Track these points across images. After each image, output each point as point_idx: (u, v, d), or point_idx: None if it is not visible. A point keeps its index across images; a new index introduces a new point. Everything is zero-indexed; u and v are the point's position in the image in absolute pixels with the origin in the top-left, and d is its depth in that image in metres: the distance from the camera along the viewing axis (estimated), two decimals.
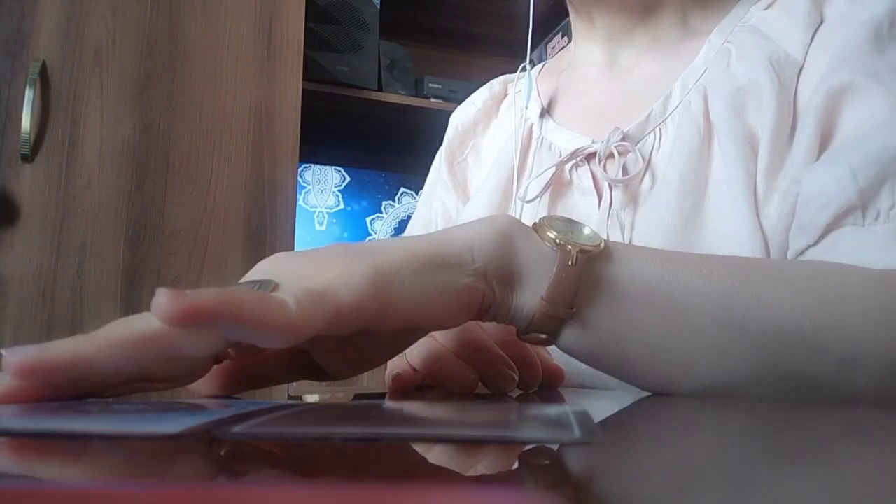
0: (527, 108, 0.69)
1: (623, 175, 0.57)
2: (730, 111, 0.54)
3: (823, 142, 0.49)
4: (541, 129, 0.67)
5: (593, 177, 0.60)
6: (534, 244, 0.35)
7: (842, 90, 0.49)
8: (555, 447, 0.19)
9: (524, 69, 0.72)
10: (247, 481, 0.16)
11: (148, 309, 0.26)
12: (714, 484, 0.16)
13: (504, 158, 0.68)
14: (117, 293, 1.34)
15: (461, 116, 0.77)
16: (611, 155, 0.59)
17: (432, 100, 1.82)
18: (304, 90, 1.53)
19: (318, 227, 1.82)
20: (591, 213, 0.59)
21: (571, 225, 0.36)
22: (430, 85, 1.84)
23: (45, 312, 1.29)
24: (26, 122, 1.30)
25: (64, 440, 0.20)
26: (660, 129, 0.58)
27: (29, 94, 1.31)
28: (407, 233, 0.84)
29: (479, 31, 2.06)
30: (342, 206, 1.86)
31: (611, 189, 0.58)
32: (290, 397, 1.11)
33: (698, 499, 0.15)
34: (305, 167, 1.80)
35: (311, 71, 1.60)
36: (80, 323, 1.31)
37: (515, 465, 0.17)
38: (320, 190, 1.84)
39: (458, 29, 2.05)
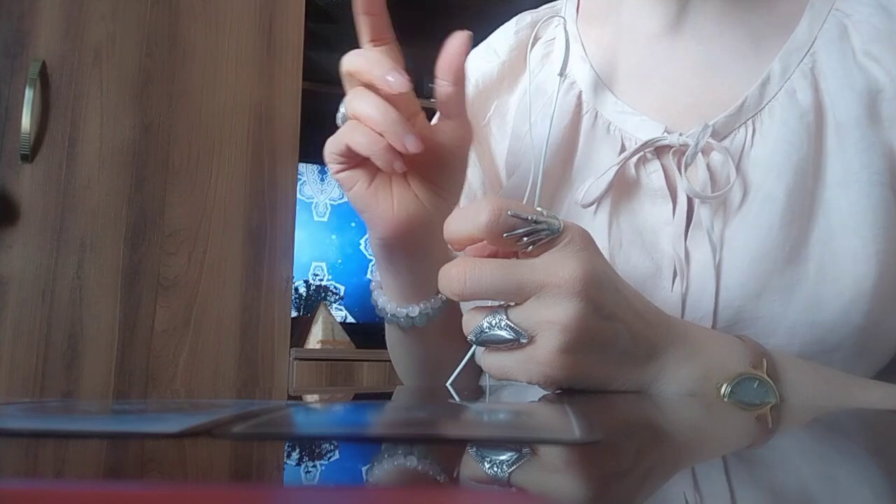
0: (564, 77, 0.52)
1: (711, 185, 0.45)
2: (865, 115, 0.43)
3: None
4: (593, 101, 0.51)
5: (665, 175, 0.47)
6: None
7: None
8: (555, 447, 0.19)
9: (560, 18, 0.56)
10: (247, 481, 0.16)
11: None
12: (713, 482, 0.16)
13: (539, 135, 0.50)
14: (117, 293, 1.34)
15: (482, 70, 0.60)
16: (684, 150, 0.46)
17: (432, 100, 1.81)
18: (303, 90, 1.53)
19: (316, 217, 1.82)
20: (661, 223, 0.46)
21: (761, 387, 0.37)
22: (431, 85, 1.84)
23: (45, 312, 1.29)
24: (26, 122, 1.30)
25: (64, 440, 0.20)
26: (753, 123, 0.46)
27: (29, 94, 1.31)
28: None
29: (479, 32, 2.06)
30: (346, 198, 1.85)
31: (688, 196, 0.46)
32: (290, 397, 1.11)
33: (698, 498, 0.15)
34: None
35: (311, 71, 1.60)
36: (80, 323, 1.31)
37: (516, 465, 0.17)
38: (319, 181, 1.83)
39: (458, 29, 2.05)
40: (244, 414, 0.23)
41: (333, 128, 0.48)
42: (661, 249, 0.46)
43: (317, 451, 0.19)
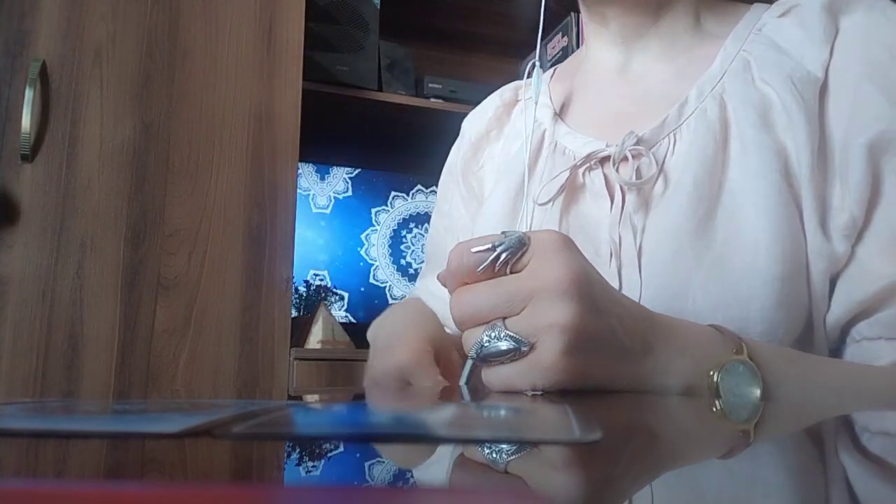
0: (536, 104, 0.67)
1: (637, 178, 0.56)
2: (760, 122, 0.54)
3: (873, 184, 0.51)
4: (553, 132, 0.66)
5: (606, 180, 0.59)
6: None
7: (887, 144, 0.51)
8: (555, 447, 0.19)
9: (534, 66, 0.70)
10: (247, 481, 0.16)
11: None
12: (713, 482, 0.16)
13: (515, 163, 0.67)
14: (117, 293, 1.34)
15: (473, 126, 0.76)
16: (624, 159, 0.58)
17: (432, 100, 1.81)
18: (304, 90, 1.53)
19: (314, 209, 1.82)
20: (602, 216, 0.58)
21: (746, 385, 0.39)
22: (431, 85, 1.84)
23: (45, 312, 1.29)
24: (26, 122, 1.30)
25: (64, 440, 0.20)
26: (674, 135, 0.58)
27: (29, 94, 1.31)
28: (430, 243, 0.81)
29: (479, 31, 2.06)
30: (350, 192, 1.86)
31: (623, 192, 0.57)
32: (290, 397, 1.12)
33: (697, 498, 0.15)
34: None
35: (311, 71, 1.60)
36: (80, 323, 1.31)
37: (516, 465, 0.17)
38: (318, 179, 1.83)
39: (458, 29, 2.05)
40: (244, 414, 0.23)
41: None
42: (600, 237, 0.57)
43: (317, 451, 0.19)
